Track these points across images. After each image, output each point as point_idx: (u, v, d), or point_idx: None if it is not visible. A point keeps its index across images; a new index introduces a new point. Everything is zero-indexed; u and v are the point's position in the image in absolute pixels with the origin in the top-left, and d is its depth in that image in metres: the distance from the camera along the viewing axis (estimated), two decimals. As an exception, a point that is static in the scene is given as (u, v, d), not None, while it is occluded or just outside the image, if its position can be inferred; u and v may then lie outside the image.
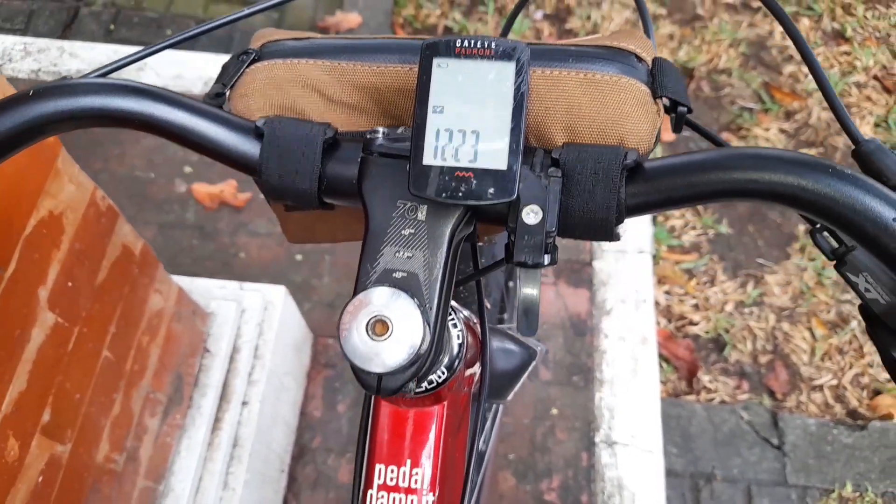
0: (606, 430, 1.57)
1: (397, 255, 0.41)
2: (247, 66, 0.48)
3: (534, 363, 0.73)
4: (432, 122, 0.41)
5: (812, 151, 2.05)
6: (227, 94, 0.48)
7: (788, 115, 2.11)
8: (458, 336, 0.49)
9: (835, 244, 0.42)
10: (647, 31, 0.54)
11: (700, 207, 1.96)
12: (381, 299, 0.39)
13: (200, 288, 1.34)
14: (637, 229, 1.79)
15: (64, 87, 0.42)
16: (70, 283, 0.90)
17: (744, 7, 2.30)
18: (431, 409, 0.49)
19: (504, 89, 0.41)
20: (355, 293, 0.40)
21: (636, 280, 1.71)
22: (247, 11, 0.53)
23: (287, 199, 0.46)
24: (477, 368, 0.57)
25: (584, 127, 0.44)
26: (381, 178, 0.44)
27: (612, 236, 0.43)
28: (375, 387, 0.40)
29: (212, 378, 1.27)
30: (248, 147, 0.45)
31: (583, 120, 0.44)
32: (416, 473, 0.48)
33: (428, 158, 0.41)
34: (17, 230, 0.80)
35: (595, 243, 1.78)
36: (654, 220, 1.91)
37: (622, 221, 0.42)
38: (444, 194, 0.40)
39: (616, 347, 1.64)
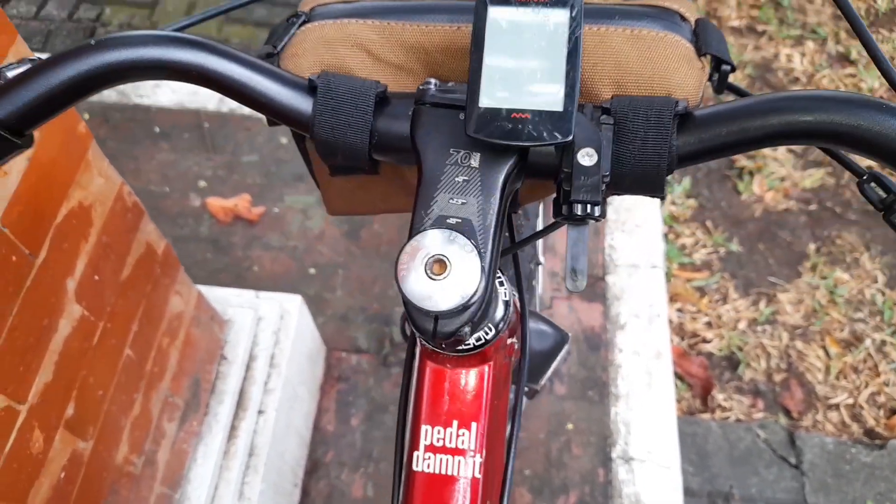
0: (623, 446, 1.55)
1: (451, 201, 0.42)
2: (297, 28, 0.49)
3: (567, 347, 0.72)
4: (488, 66, 0.42)
5: (820, 172, 2.07)
6: (278, 54, 0.49)
7: (796, 136, 2.13)
8: (505, 294, 0.49)
9: (882, 194, 0.43)
10: None
11: (710, 225, 1.97)
12: (438, 241, 0.39)
13: (217, 296, 1.34)
14: (649, 244, 1.80)
15: (125, 37, 0.43)
16: (96, 277, 0.90)
17: (749, 31, 2.35)
18: (479, 370, 0.48)
19: (559, 34, 0.41)
20: (410, 237, 0.41)
21: (649, 295, 1.71)
22: None
23: (337, 155, 0.47)
24: (516, 339, 0.57)
25: (631, 81, 0.45)
26: (434, 126, 0.44)
27: (662, 189, 0.44)
28: (432, 331, 0.40)
29: (229, 385, 1.26)
30: (301, 102, 0.46)
31: (630, 75, 0.45)
32: (463, 434, 0.47)
33: (484, 101, 0.41)
34: (49, 218, 0.81)
35: (608, 256, 1.78)
36: (666, 238, 1.92)
37: (672, 171, 0.43)
38: (500, 135, 0.41)
39: (631, 362, 1.63)
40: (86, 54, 0.43)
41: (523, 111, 0.41)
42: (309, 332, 1.49)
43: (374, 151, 0.47)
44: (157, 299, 1.06)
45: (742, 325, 1.85)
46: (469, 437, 0.47)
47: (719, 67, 0.46)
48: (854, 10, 0.50)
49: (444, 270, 0.39)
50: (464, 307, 0.39)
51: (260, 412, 1.30)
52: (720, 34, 0.47)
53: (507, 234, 0.76)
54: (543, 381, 0.72)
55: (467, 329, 0.41)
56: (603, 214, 0.44)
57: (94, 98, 1.96)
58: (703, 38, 0.46)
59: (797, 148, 2.11)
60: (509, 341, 0.54)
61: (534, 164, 0.44)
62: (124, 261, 0.96)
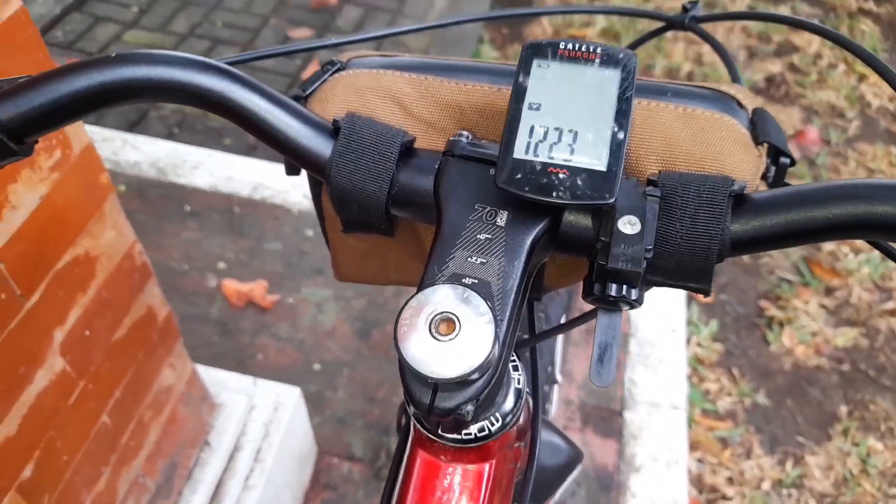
0: None
1: (469, 259, 0.37)
2: (330, 75, 0.47)
3: (579, 467, 0.64)
4: (527, 117, 0.39)
5: (853, 332, 1.99)
6: (306, 99, 0.47)
7: (829, 292, 2.07)
8: (518, 381, 0.43)
9: None
10: (735, 80, 0.53)
11: (737, 373, 1.88)
12: (449, 298, 0.34)
13: (213, 377, 1.27)
14: (672, 382, 1.71)
15: (147, 55, 0.41)
16: (87, 332, 0.85)
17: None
18: (477, 468, 0.41)
19: (608, 94, 0.38)
20: (418, 292, 0.36)
21: (669, 437, 1.60)
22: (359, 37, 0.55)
23: (352, 205, 0.43)
24: (524, 445, 0.50)
25: (681, 160, 0.41)
26: (461, 179, 0.40)
27: (709, 279, 0.39)
28: (428, 404, 0.34)
29: (207, 474, 1.17)
30: (321, 144, 0.42)
31: (680, 153, 0.41)
32: None
33: (519, 153, 0.38)
34: (50, 262, 0.77)
35: (627, 390, 1.69)
36: (689, 380, 1.83)
37: (724, 258, 0.38)
38: (534, 190, 0.37)
39: (643, 509, 1.50)
40: (104, 66, 0.41)
41: (561, 167, 0.37)
42: (302, 431, 1.40)
43: (392, 205, 0.43)
44: (147, 368, 1.00)
45: (766, 486, 1.71)
46: (456, 547, 0.40)
47: (777, 160, 0.42)
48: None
49: (452, 331, 0.33)
50: (469, 378, 0.34)
51: (235, 510, 1.19)
52: (779, 126, 0.44)
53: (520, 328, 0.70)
54: (551, 502, 0.64)
55: (470, 408, 0.35)
56: (640, 301, 0.39)
57: (132, 171, 2.00)
58: (762, 126, 0.43)
59: (829, 304, 2.04)
60: (517, 444, 0.48)
61: (566, 234, 0.39)
62: (121, 321, 0.92)
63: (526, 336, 0.53)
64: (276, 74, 2.49)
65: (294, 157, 0.43)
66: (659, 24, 0.63)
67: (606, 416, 1.65)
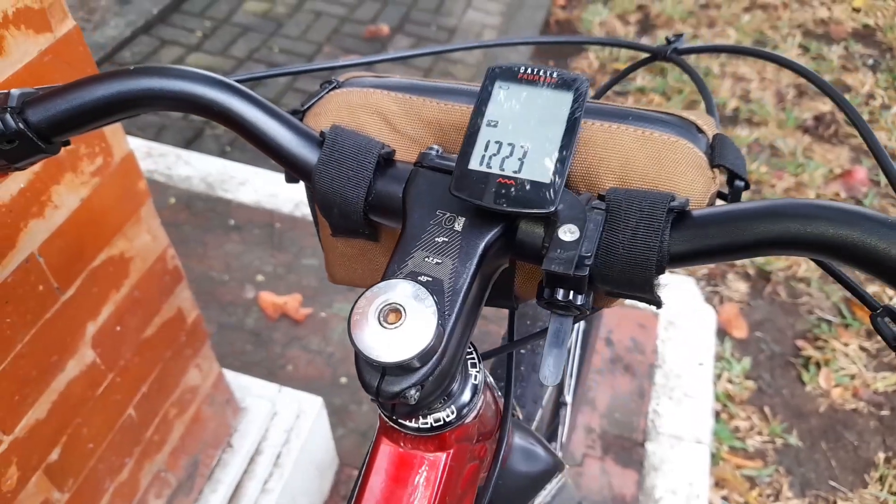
0: None
1: (426, 259, 0.41)
2: (326, 92, 0.52)
3: (559, 478, 0.66)
4: (484, 133, 0.42)
5: (894, 377, 1.92)
6: (303, 113, 0.51)
7: (870, 334, 2.01)
8: (475, 377, 0.46)
9: None
10: (710, 111, 0.55)
11: (769, 412, 1.84)
12: (400, 291, 0.38)
13: (240, 382, 1.33)
14: (697, 416, 1.68)
15: (161, 69, 0.46)
16: (118, 328, 0.92)
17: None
18: (434, 457, 0.44)
19: (560, 113, 0.42)
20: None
21: (691, 472, 1.58)
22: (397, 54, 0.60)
23: (334, 209, 0.47)
24: (490, 445, 0.52)
25: (636, 179, 0.44)
26: (426, 188, 0.44)
27: (652, 290, 0.41)
28: (375, 387, 0.38)
29: (227, 475, 1.22)
30: (308, 152, 0.47)
31: (635, 172, 0.44)
32: None
33: (474, 164, 0.41)
34: (87, 259, 0.84)
35: (650, 422, 1.67)
36: (717, 416, 1.80)
37: (663, 270, 0.40)
38: (483, 198, 0.40)
39: (660, 543, 1.48)
40: (123, 77, 0.46)
41: (510, 178, 0.41)
42: (323, 441, 1.44)
43: (369, 210, 0.47)
44: (174, 367, 1.06)
45: (794, 529, 1.66)
46: (410, 530, 0.42)
47: (732, 183, 0.45)
48: (855, 110, 0.49)
49: (398, 320, 0.37)
50: (411, 365, 0.37)
51: (252, 511, 1.23)
52: (738, 151, 0.46)
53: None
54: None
55: (413, 392, 0.38)
56: (587, 305, 0.41)
57: (183, 185, 2.11)
58: (719, 151, 0.45)
59: (871, 347, 1.98)
60: (481, 442, 0.50)
61: (520, 241, 0.42)
62: (151, 320, 0.98)
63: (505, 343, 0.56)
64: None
65: (284, 164, 0.47)
66: (644, 55, 0.66)
67: (627, 447, 1.63)
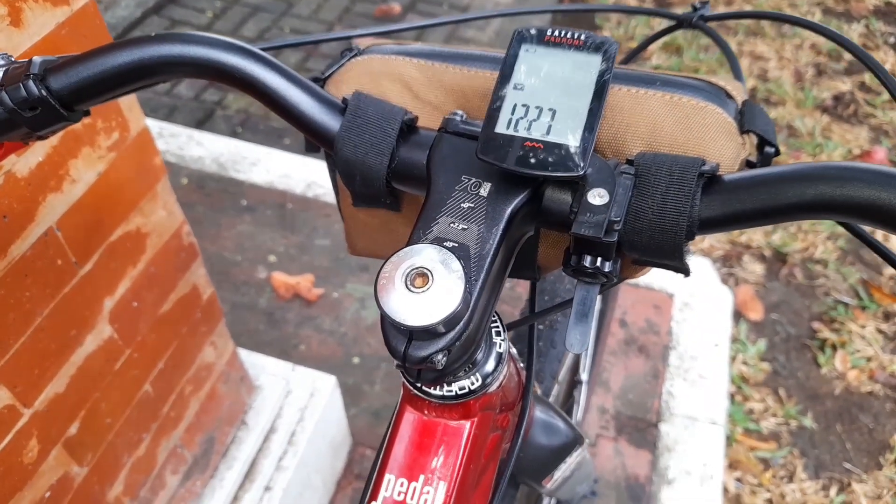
0: None
1: (452, 225, 0.40)
2: (347, 60, 0.51)
3: (579, 451, 0.65)
4: (511, 96, 0.41)
5: (913, 360, 1.91)
6: (324, 81, 0.51)
7: (887, 317, 1.99)
8: (500, 345, 0.45)
9: None
10: (738, 78, 0.54)
11: (783, 394, 1.83)
12: (427, 256, 0.37)
13: (254, 361, 1.33)
14: (711, 397, 1.68)
15: (183, 35, 0.46)
16: (135, 304, 0.92)
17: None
18: (458, 424, 0.44)
19: (588, 76, 0.41)
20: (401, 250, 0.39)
21: (705, 452, 1.57)
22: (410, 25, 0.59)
23: (356, 177, 0.46)
24: (512, 417, 0.52)
25: (664, 144, 0.43)
26: (451, 153, 0.43)
27: (681, 257, 0.40)
28: (402, 351, 0.37)
29: (242, 451, 1.22)
30: (330, 120, 0.46)
31: (664, 138, 0.43)
32: (428, 493, 0.42)
33: (501, 127, 0.41)
34: (105, 234, 0.84)
35: (664, 402, 1.67)
36: (732, 398, 1.79)
37: (693, 236, 0.39)
38: (510, 162, 0.39)
39: (674, 523, 1.48)
40: (146, 44, 0.46)
41: (538, 141, 0.40)
42: (336, 419, 1.44)
43: (392, 177, 0.46)
44: (190, 344, 1.06)
45: (808, 511, 1.66)
46: (433, 497, 0.42)
47: (762, 149, 0.44)
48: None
49: (425, 284, 0.36)
50: (438, 329, 0.36)
51: (267, 488, 1.24)
52: (767, 117, 0.45)
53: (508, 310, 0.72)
54: (548, 485, 0.65)
55: (441, 357, 0.37)
56: (614, 273, 0.41)
57: (195, 165, 2.11)
58: (749, 117, 0.44)
59: (888, 330, 1.96)
60: (504, 412, 0.50)
61: (547, 207, 0.42)
62: (167, 296, 0.98)
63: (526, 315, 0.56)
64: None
65: (307, 131, 0.47)
66: (670, 23, 0.65)
67: (641, 427, 1.63)
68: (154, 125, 2.19)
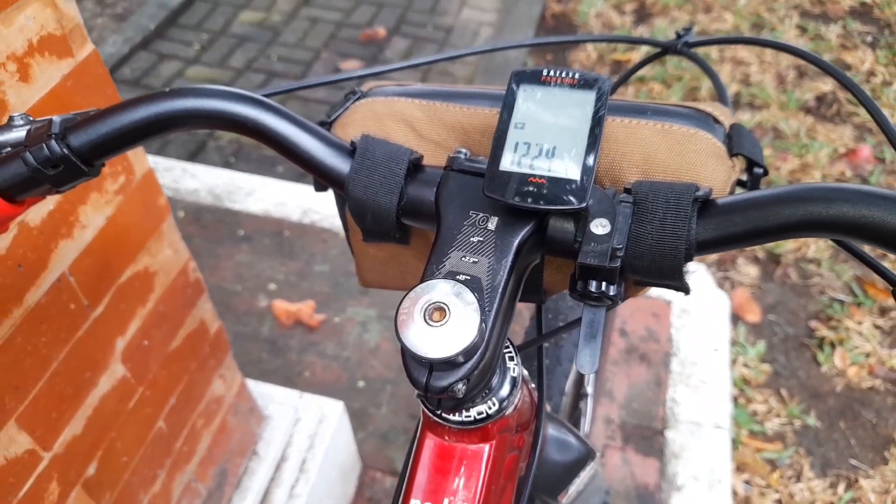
0: None
1: (463, 259, 0.42)
2: (352, 103, 0.53)
3: (591, 465, 0.67)
4: (513, 135, 0.44)
5: (910, 353, 1.93)
6: (331, 124, 0.53)
7: (883, 312, 2.02)
8: (514, 370, 0.47)
9: None
10: (723, 101, 0.56)
11: (786, 394, 1.85)
12: (442, 291, 0.39)
13: (261, 390, 1.34)
14: (715, 402, 1.70)
15: (194, 89, 0.48)
16: (146, 342, 0.93)
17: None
18: (478, 448, 0.46)
19: (584, 112, 0.43)
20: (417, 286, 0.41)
21: (711, 457, 1.59)
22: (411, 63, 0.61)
23: (367, 215, 0.48)
24: (528, 436, 0.54)
25: (658, 171, 0.45)
26: (457, 190, 0.46)
27: (681, 277, 0.42)
28: (424, 383, 0.39)
29: (255, 482, 1.23)
30: (340, 162, 0.48)
31: (657, 165, 0.45)
32: None
33: (505, 164, 0.43)
34: (114, 276, 0.85)
35: (669, 409, 1.68)
36: (736, 402, 1.81)
37: (691, 258, 0.42)
38: (515, 197, 0.42)
39: (686, 529, 1.49)
40: (160, 99, 0.48)
41: (540, 177, 0.42)
42: (345, 444, 1.45)
43: (402, 214, 0.48)
44: (199, 378, 1.07)
45: (817, 509, 1.67)
46: (459, 520, 0.44)
47: (752, 170, 0.46)
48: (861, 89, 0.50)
49: (443, 318, 0.38)
50: (457, 360, 0.38)
51: (281, 517, 1.25)
52: (755, 140, 0.47)
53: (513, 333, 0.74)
54: (563, 500, 0.66)
55: (461, 386, 0.39)
56: (619, 296, 0.43)
57: (190, 198, 2.12)
58: (737, 140, 0.46)
59: (885, 325, 1.99)
60: (519, 433, 0.52)
61: (552, 237, 0.44)
62: (176, 332, 0.99)
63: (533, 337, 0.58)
64: (325, 104, 2.61)
65: (317, 174, 0.49)
66: (655, 50, 0.67)
67: (648, 435, 1.65)
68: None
